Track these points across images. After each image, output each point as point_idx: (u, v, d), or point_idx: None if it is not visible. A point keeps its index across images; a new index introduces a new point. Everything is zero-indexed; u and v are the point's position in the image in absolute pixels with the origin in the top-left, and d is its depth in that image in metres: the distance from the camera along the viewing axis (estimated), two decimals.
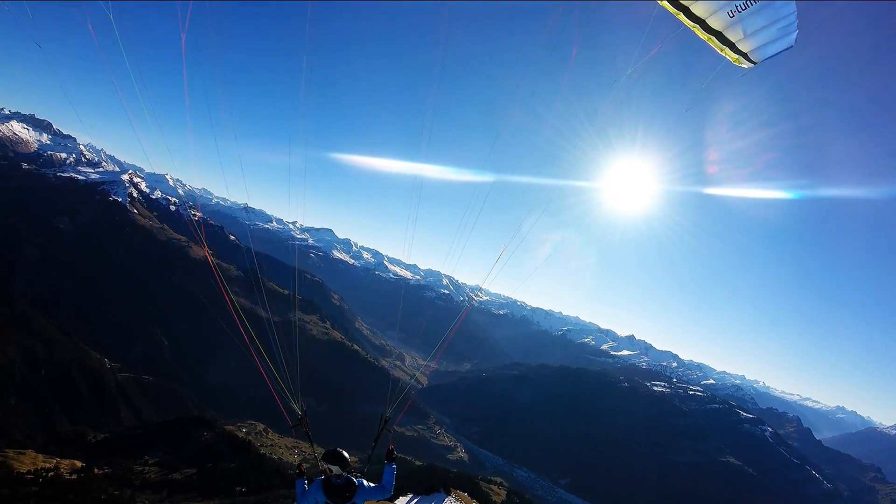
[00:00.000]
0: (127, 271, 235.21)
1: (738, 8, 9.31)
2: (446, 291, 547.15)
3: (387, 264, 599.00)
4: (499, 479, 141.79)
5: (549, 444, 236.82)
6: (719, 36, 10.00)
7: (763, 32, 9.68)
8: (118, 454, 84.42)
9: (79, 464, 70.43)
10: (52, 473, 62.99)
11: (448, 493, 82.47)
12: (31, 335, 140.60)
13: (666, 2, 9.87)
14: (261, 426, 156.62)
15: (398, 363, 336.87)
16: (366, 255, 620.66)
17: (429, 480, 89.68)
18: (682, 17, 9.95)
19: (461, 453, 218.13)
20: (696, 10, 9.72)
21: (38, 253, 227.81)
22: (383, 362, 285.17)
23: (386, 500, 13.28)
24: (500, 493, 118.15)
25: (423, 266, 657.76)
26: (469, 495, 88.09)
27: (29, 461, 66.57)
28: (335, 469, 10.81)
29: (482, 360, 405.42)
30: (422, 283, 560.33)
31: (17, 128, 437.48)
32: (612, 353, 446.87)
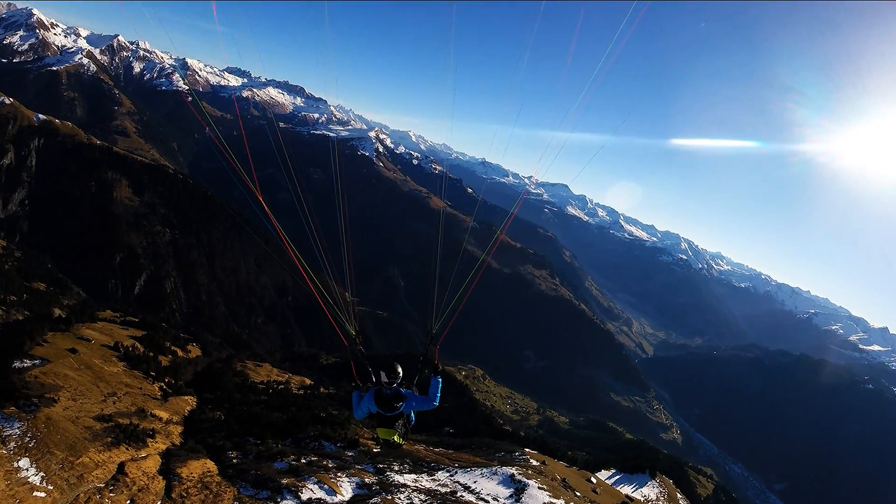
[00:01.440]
0: (371, 217, 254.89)
1: None
2: (684, 257, 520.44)
3: (622, 223, 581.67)
4: (709, 471, 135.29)
5: (771, 441, 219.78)
6: None
7: None
8: (344, 378, 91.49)
9: (308, 381, 77.81)
10: (282, 386, 70.00)
11: (652, 477, 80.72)
12: (282, 268, 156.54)
13: None
14: (480, 371, 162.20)
15: (624, 328, 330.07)
16: (601, 212, 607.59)
17: (635, 458, 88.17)
18: None
19: (675, 434, 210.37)
20: None
21: (291, 199, 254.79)
22: (609, 326, 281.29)
23: (432, 408, 13.23)
24: (707, 487, 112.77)
25: (660, 227, 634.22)
26: (674, 483, 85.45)
27: (264, 373, 74.79)
28: (386, 379, 12.33)
29: (715, 336, 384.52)
30: (658, 245, 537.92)
31: (273, 93, 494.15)
32: (860, 346, 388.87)
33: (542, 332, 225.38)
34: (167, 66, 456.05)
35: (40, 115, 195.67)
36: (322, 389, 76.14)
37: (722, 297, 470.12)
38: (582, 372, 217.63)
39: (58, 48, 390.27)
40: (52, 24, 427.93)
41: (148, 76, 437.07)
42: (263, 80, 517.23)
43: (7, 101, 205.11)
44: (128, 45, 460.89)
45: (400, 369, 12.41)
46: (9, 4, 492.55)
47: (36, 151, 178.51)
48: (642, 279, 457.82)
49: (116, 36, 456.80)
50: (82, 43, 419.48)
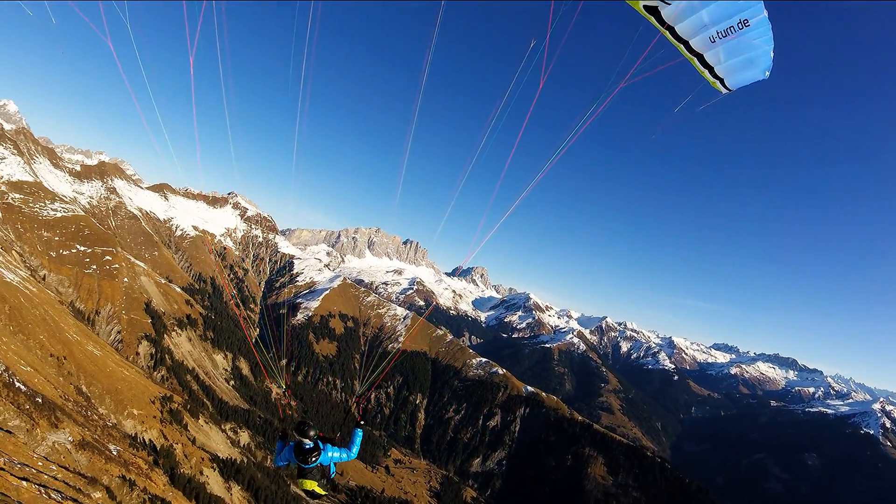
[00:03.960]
0: None
1: (720, 34, 9.84)
2: None
3: None
4: None
5: None
6: (700, 59, 10.53)
7: (739, 61, 10.23)
8: None
9: None
10: None
11: None
12: None
13: (654, 20, 10.17)
14: None
15: None
16: None
17: None
18: (668, 35, 10.31)
19: None
20: (681, 31, 10.18)
21: (782, 488, 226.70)
22: None
23: (350, 458, 13.97)
24: None
25: None
26: None
27: None
28: (307, 437, 12.92)
29: None
30: None
31: (763, 368, 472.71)
32: None
33: None
34: (653, 344, 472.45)
35: (529, 387, 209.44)
36: None
37: None
38: None
39: (551, 328, 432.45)
40: (546, 307, 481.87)
41: (635, 355, 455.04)
42: (752, 354, 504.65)
43: (500, 372, 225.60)
44: (615, 325, 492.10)
45: (312, 432, 12.90)
46: (510, 289, 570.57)
47: (521, 419, 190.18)
48: None
49: (605, 318, 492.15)
50: (573, 324, 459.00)
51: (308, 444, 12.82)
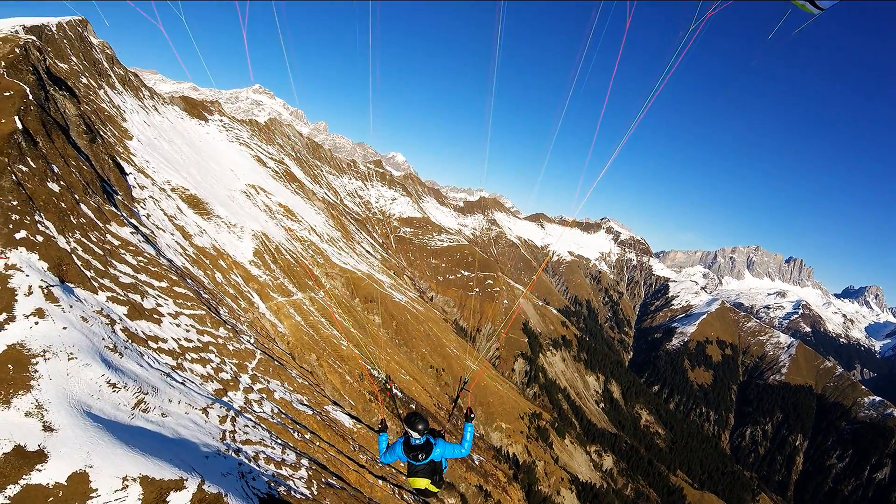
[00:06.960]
0: None
1: None
2: None
3: None
4: None
5: None
6: None
7: None
8: None
9: None
10: None
11: None
12: None
13: None
14: None
15: None
16: None
17: None
18: None
19: None
20: None
21: None
22: None
23: (464, 456, 13.03)
24: None
25: None
26: None
27: None
28: (416, 431, 11.98)
29: None
30: None
31: None
32: None
33: None
34: None
35: None
36: None
37: None
38: None
39: None
40: None
41: None
42: None
43: (895, 414, 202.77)
44: None
45: (421, 425, 12.13)
46: None
47: None
48: None
49: None
50: None
51: (418, 439, 12.22)
